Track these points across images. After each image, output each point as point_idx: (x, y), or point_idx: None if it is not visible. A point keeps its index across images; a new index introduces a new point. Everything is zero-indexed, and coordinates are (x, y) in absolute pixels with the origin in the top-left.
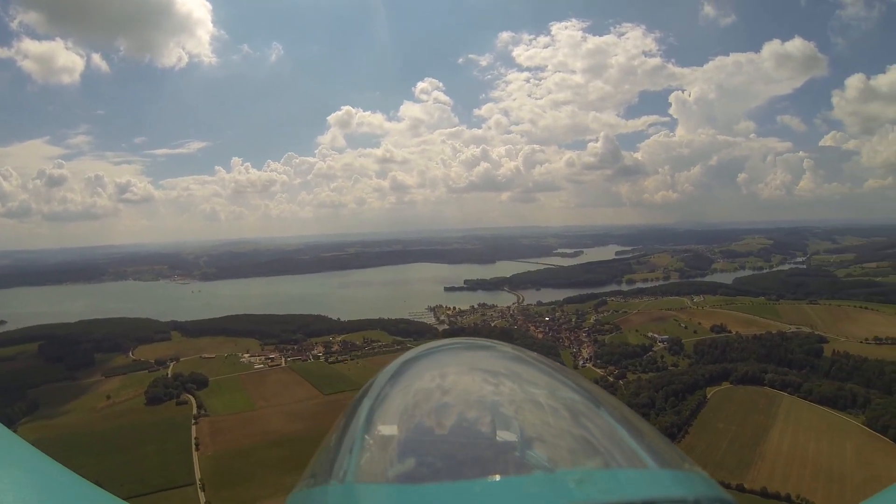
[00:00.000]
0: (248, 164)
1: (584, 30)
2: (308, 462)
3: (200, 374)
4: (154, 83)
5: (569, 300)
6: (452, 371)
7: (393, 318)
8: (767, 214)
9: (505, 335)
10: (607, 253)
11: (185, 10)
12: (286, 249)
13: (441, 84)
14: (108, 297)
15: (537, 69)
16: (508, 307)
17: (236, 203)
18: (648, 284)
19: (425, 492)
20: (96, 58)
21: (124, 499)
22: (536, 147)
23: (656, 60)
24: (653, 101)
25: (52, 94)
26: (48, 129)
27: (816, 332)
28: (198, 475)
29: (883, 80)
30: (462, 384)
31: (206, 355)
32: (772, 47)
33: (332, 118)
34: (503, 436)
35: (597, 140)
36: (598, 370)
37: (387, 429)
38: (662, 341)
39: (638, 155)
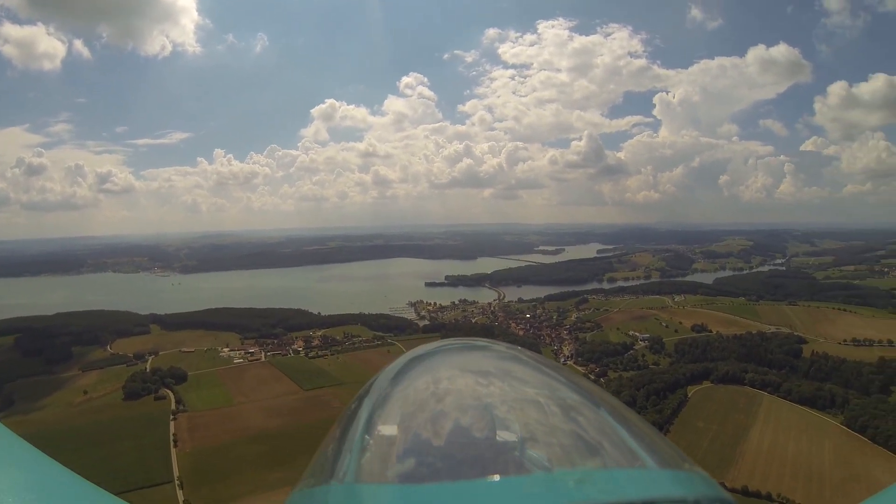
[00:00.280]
0: (231, 155)
1: (571, 29)
2: (304, 461)
3: (179, 369)
4: (137, 72)
5: (550, 297)
6: (453, 371)
7: (373, 312)
8: (748, 216)
9: (486, 332)
10: (589, 251)
11: None
12: (267, 242)
13: (426, 79)
14: (87, 289)
15: (523, 67)
16: (489, 304)
17: (218, 195)
18: (629, 283)
19: (426, 492)
20: (78, 44)
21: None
22: (520, 144)
23: (642, 61)
24: (637, 102)
25: (32, 81)
26: (28, 116)
27: (796, 333)
28: (176, 472)
29: (865, 89)
30: (463, 384)
31: (186, 349)
32: (757, 52)
33: (315, 111)
34: (503, 436)
35: (580, 139)
36: (580, 368)
37: (387, 429)
38: (643, 340)
39: (621, 154)
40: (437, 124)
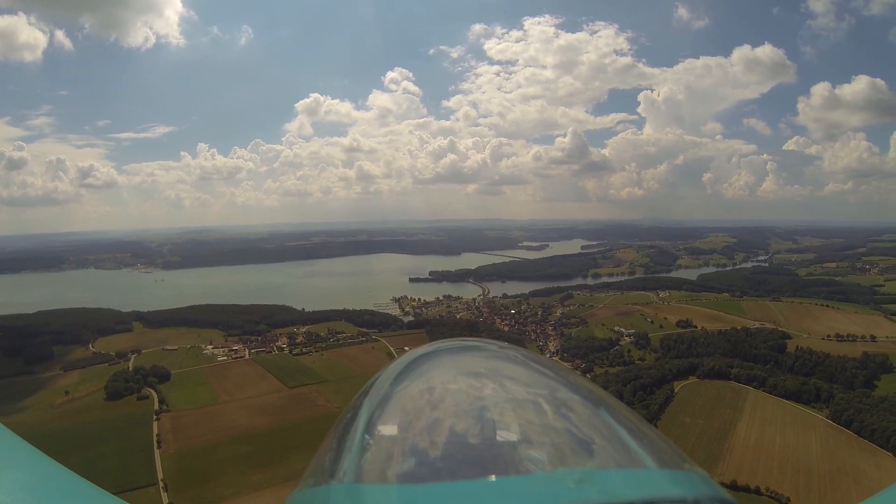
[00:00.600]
0: (215, 150)
1: (557, 26)
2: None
3: (162, 367)
4: (119, 64)
5: (535, 293)
6: (453, 371)
7: (357, 308)
8: (731, 213)
9: (471, 327)
10: (573, 247)
11: None
12: (251, 238)
13: (411, 74)
14: (69, 287)
15: (508, 63)
16: (474, 299)
17: (201, 190)
18: (614, 279)
19: (426, 492)
20: (60, 35)
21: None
22: (504, 140)
23: (627, 59)
24: (622, 100)
25: (12, 73)
26: (8, 109)
27: (780, 329)
28: (160, 474)
29: (847, 90)
30: (462, 385)
31: (169, 347)
32: (742, 52)
33: (299, 105)
34: (503, 436)
35: (565, 135)
36: (565, 364)
37: (387, 429)
38: (629, 335)
39: (605, 151)
40: (421, 120)
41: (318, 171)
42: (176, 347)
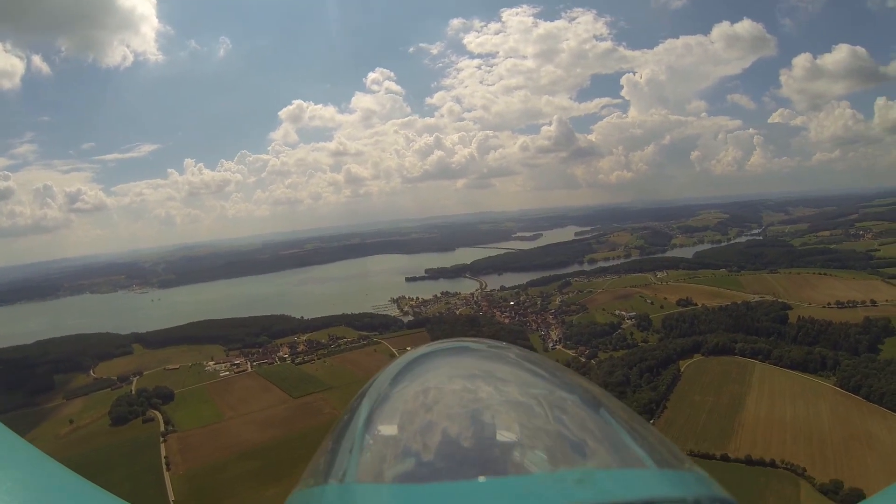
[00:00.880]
0: (202, 164)
1: (535, 15)
2: (301, 472)
3: (165, 388)
4: (99, 84)
5: (532, 283)
6: (453, 371)
7: (356, 312)
8: (721, 189)
9: (471, 322)
10: (566, 234)
11: (128, 4)
12: (244, 250)
13: (392, 74)
14: (65, 314)
15: (489, 56)
16: (472, 294)
17: (191, 206)
18: (610, 263)
19: (426, 492)
20: (37, 60)
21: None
22: (490, 133)
23: (607, 44)
24: (605, 84)
25: None
26: None
27: (780, 300)
28: (171, 497)
29: (829, 59)
30: (462, 384)
31: (170, 367)
32: (721, 29)
33: (283, 113)
34: (503, 436)
35: (550, 123)
36: (569, 351)
37: (387, 429)
38: (630, 318)
39: (591, 137)
40: (406, 118)
41: (306, 177)
42: (177, 366)
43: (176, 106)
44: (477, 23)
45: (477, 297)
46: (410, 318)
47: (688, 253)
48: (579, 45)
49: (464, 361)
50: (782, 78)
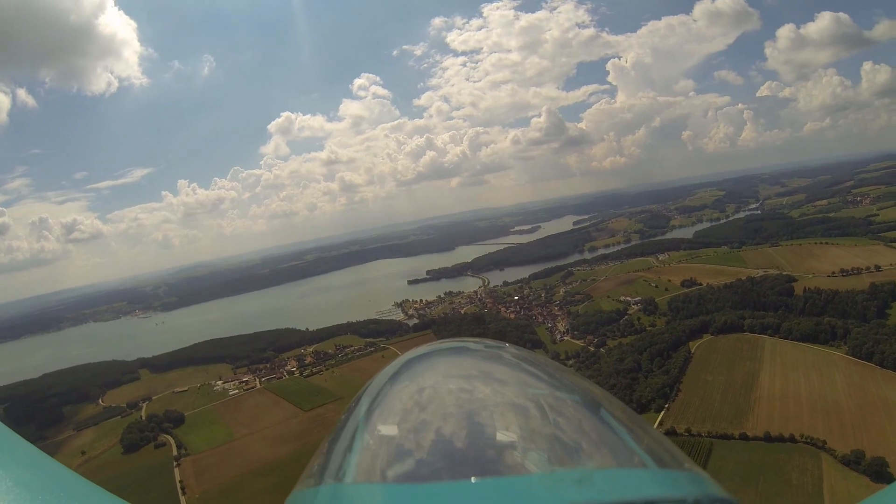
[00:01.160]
0: (195, 184)
1: (516, 8)
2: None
3: (175, 411)
4: (86, 113)
5: (535, 276)
6: (452, 371)
7: (361, 319)
8: (715, 167)
9: (477, 320)
10: (564, 224)
11: (108, 31)
12: (244, 266)
13: (378, 78)
14: (70, 345)
15: (473, 52)
16: (475, 291)
17: (188, 226)
18: (611, 250)
19: (425, 492)
20: (22, 93)
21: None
22: (480, 129)
23: (590, 31)
24: (591, 71)
25: None
26: None
27: (784, 273)
28: None
29: (812, 28)
30: (462, 384)
31: (178, 389)
32: (703, 6)
33: (272, 126)
34: (503, 436)
35: (540, 115)
36: (577, 342)
37: (387, 429)
38: (636, 303)
39: (582, 125)
40: (395, 122)
41: (300, 189)
42: (186, 388)
43: (165, 128)
44: (459, 20)
45: (480, 294)
46: (416, 320)
47: (687, 233)
48: (562, 34)
49: (463, 361)
50: (767, 51)
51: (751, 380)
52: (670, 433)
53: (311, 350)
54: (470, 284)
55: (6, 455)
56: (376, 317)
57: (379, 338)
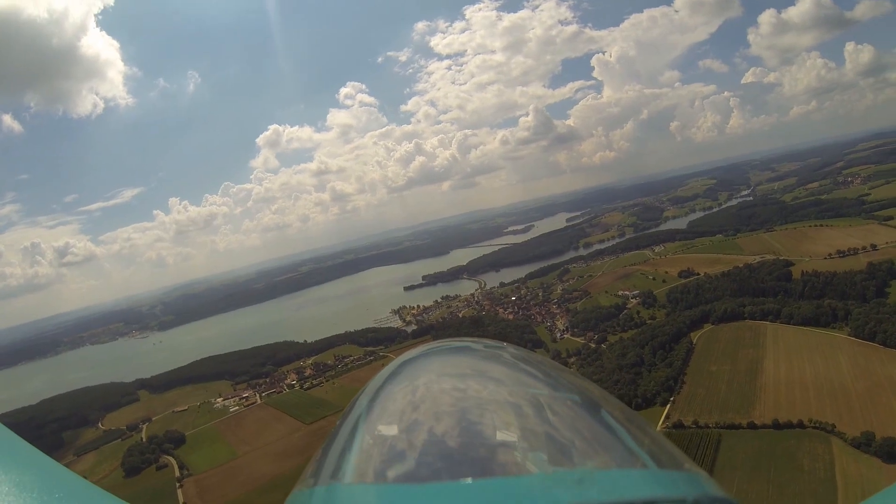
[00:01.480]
0: (186, 201)
1: (498, 9)
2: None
3: (176, 432)
4: (74, 135)
5: (531, 276)
6: (451, 371)
7: (360, 329)
8: (705, 156)
9: (475, 323)
10: (558, 222)
11: (91, 52)
12: (240, 281)
13: (364, 86)
14: (67, 369)
15: (457, 55)
16: (472, 294)
17: (181, 244)
18: (606, 245)
19: (425, 492)
20: (7, 119)
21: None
22: (468, 132)
23: (573, 27)
24: (576, 67)
25: None
26: None
27: (781, 258)
28: None
29: (793, 12)
30: (461, 384)
31: (178, 409)
32: None
33: (260, 139)
34: (503, 436)
35: (527, 114)
36: (578, 339)
37: (386, 429)
38: (634, 297)
39: (570, 121)
40: (383, 129)
41: (292, 201)
42: (186, 407)
43: (153, 147)
44: (441, 24)
45: (477, 296)
46: (414, 326)
47: (681, 224)
48: (546, 32)
49: (462, 361)
50: (750, 37)
51: (755, 367)
52: (678, 426)
53: (310, 362)
54: (466, 287)
55: (6, 455)
56: (374, 325)
57: (378, 346)
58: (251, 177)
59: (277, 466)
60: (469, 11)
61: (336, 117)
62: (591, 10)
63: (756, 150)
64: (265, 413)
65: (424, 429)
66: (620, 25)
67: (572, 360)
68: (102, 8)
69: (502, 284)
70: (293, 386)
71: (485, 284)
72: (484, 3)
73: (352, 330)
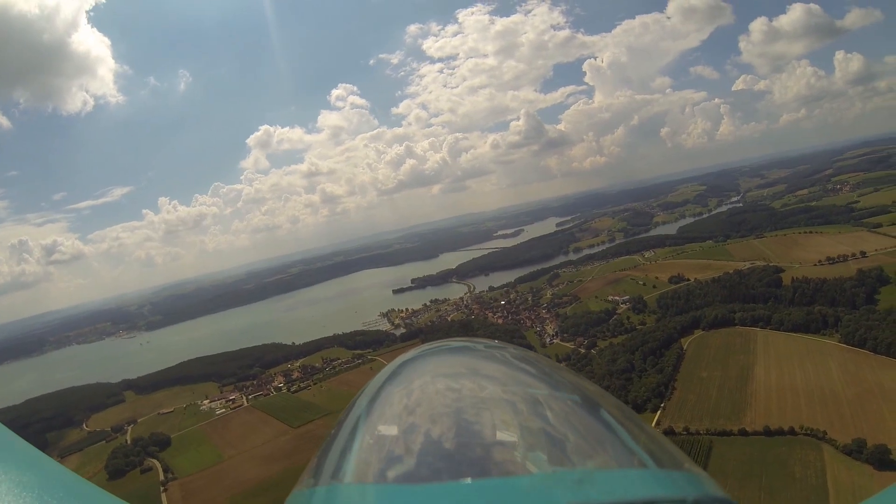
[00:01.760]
0: (176, 201)
1: (491, 12)
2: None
3: (161, 434)
4: (63, 133)
5: (520, 280)
6: (451, 371)
7: (348, 331)
8: (695, 162)
9: (464, 327)
10: (548, 226)
11: (82, 49)
12: (229, 282)
13: (355, 88)
14: (53, 369)
15: (449, 58)
16: (461, 298)
17: (170, 244)
18: (596, 249)
19: (424, 492)
20: None
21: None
22: (459, 135)
23: (565, 32)
24: (568, 72)
25: None
26: None
27: (771, 264)
28: None
29: (784, 21)
30: (461, 384)
31: (164, 411)
32: (676, 3)
33: (251, 140)
34: (502, 436)
35: (518, 118)
36: (568, 344)
37: (386, 429)
38: (624, 302)
39: (561, 126)
40: (374, 131)
41: (282, 202)
42: (171, 409)
43: (143, 145)
44: (434, 27)
45: (467, 300)
46: (403, 330)
47: (671, 229)
48: (538, 37)
49: (462, 361)
50: (741, 44)
51: (746, 373)
52: (668, 432)
53: (298, 365)
54: (455, 291)
55: (6, 455)
56: (363, 328)
57: (366, 349)
58: (241, 177)
59: (264, 470)
60: (462, 15)
61: (327, 119)
62: (584, 16)
63: (746, 156)
64: (252, 416)
65: (424, 429)
66: (613, 31)
67: (562, 365)
68: (94, 5)
69: (491, 288)
70: (280, 389)
71: (474, 288)
72: (477, 6)
73: (340, 332)
